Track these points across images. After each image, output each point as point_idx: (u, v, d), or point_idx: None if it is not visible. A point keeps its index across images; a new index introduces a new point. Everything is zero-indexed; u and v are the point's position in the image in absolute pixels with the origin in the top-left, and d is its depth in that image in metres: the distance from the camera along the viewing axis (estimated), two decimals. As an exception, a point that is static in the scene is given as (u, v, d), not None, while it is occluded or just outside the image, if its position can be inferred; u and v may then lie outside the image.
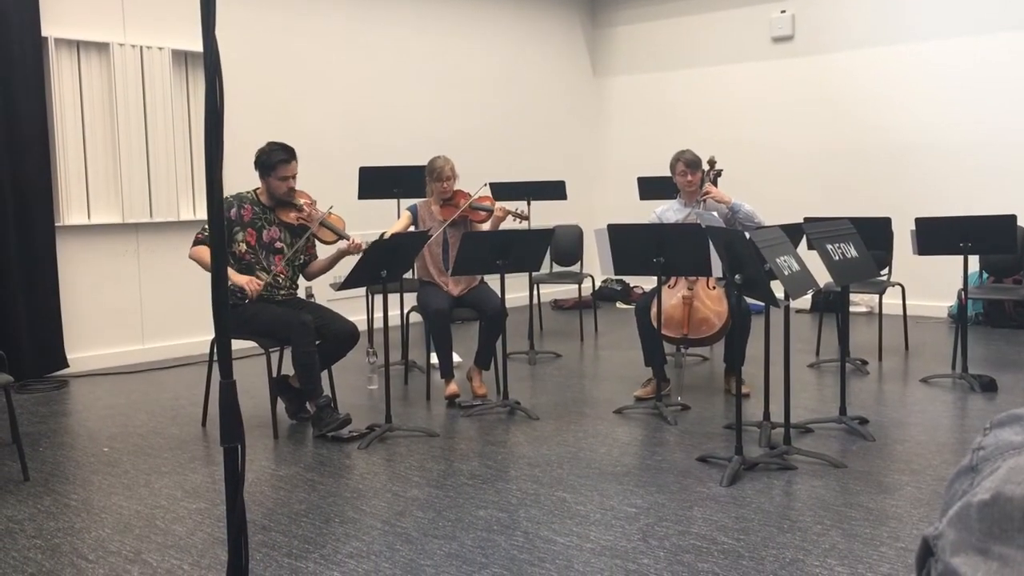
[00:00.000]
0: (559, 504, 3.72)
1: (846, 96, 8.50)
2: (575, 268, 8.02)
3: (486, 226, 5.58)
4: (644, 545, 3.28)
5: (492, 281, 5.49)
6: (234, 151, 6.32)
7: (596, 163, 10.18)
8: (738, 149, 8.40)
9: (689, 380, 5.94)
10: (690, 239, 4.73)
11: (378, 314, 5.79)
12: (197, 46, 6.86)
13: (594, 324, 7.89)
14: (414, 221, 5.62)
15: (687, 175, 5.49)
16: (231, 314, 4.52)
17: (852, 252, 4.40)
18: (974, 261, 6.43)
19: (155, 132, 6.71)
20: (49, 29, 6.18)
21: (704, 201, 5.49)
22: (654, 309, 5.17)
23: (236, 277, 4.71)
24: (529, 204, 7.15)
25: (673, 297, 5.31)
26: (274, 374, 4.89)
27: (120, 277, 6.67)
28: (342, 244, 4.94)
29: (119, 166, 6.56)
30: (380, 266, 4.61)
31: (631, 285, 9.42)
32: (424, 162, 5.75)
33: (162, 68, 6.70)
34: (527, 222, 5.99)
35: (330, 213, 4.99)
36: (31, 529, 3.55)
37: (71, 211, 6.41)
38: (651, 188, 7.43)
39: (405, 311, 6.08)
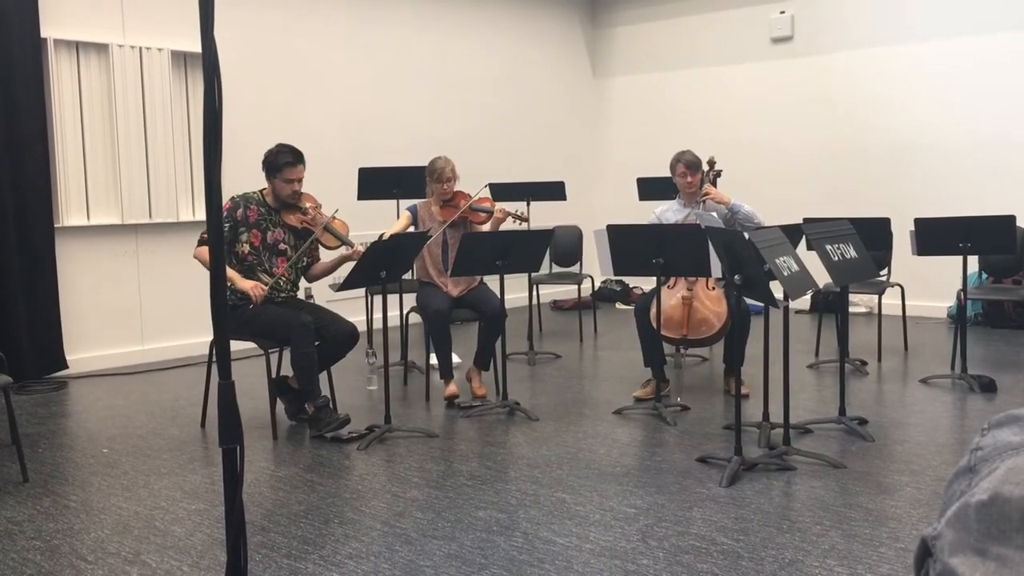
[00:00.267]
0: (558, 505, 3.72)
1: (845, 97, 8.50)
2: (574, 269, 8.02)
3: (486, 227, 5.58)
4: (643, 546, 3.28)
5: (491, 282, 5.49)
6: (234, 152, 6.34)
7: (596, 164, 10.18)
8: (738, 150, 8.40)
9: (688, 381, 5.94)
10: (689, 240, 4.73)
11: (377, 315, 5.80)
12: (196, 47, 6.83)
13: (593, 325, 7.89)
14: (414, 221, 5.62)
15: (687, 176, 5.49)
16: (230, 315, 4.54)
17: (851, 253, 4.40)
18: (973, 261, 6.43)
19: (154, 133, 6.71)
20: (48, 30, 6.18)
21: (704, 202, 5.50)
22: (654, 309, 5.17)
23: (241, 282, 4.70)
24: (529, 205, 7.15)
25: (673, 298, 5.31)
26: (273, 375, 4.89)
27: (119, 278, 6.67)
28: (344, 251, 4.94)
29: (118, 167, 6.56)
30: (379, 267, 4.61)
31: (630, 286, 9.42)
32: (423, 163, 5.75)
33: (161, 69, 6.71)
34: (527, 224, 5.99)
35: (334, 218, 4.99)
36: (30, 530, 3.55)
37: (70, 212, 6.41)
38: (651, 189, 7.43)
39: (404, 312, 6.08)
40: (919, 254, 5.71)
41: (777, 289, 3.80)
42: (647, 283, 6.71)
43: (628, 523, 3.51)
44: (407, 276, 5.35)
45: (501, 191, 6.86)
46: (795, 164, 8.79)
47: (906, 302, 6.67)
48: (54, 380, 6.17)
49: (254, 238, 4.85)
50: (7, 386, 4.08)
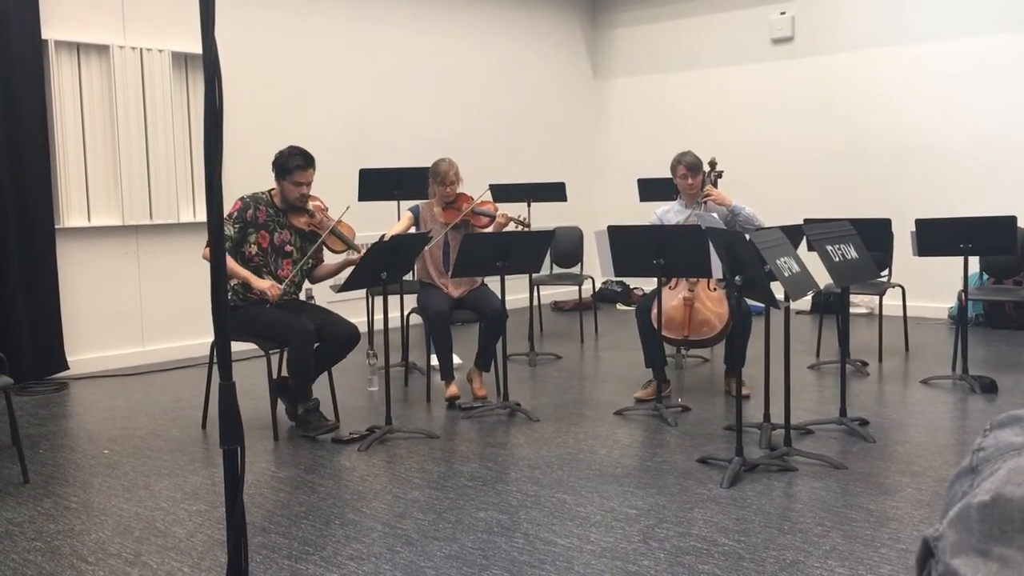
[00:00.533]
0: (559, 506, 3.72)
1: (846, 97, 8.50)
2: (575, 270, 8.02)
3: (488, 231, 5.57)
4: (644, 547, 3.28)
5: (492, 283, 5.49)
6: (234, 153, 6.35)
7: (596, 165, 10.19)
8: (738, 151, 8.40)
9: (689, 381, 5.94)
10: (690, 240, 4.73)
11: (378, 316, 5.79)
12: (197, 48, 6.81)
13: (594, 326, 7.89)
14: (416, 222, 5.61)
15: (688, 178, 5.49)
16: (231, 316, 4.53)
17: (852, 253, 4.40)
18: (974, 262, 6.43)
19: (155, 134, 6.71)
20: (49, 31, 6.19)
21: (705, 203, 5.49)
22: (655, 310, 5.17)
23: (257, 282, 4.71)
24: (529, 206, 7.15)
25: (674, 298, 5.31)
26: (274, 376, 4.89)
27: (120, 279, 6.67)
28: (351, 255, 4.94)
29: (119, 168, 6.56)
30: (380, 268, 4.61)
31: (631, 287, 9.42)
32: (424, 164, 5.75)
33: (162, 70, 6.71)
34: (528, 229, 5.98)
35: (341, 221, 4.99)
36: (31, 531, 3.55)
37: (71, 213, 6.41)
38: (651, 190, 7.43)
39: (405, 313, 6.08)
40: (920, 255, 5.71)
41: (778, 290, 3.80)
42: (647, 284, 6.71)
43: (629, 524, 3.51)
44: (408, 277, 5.35)
45: (502, 192, 6.86)
46: (796, 165, 8.79)
47: (907, 303, 6.67)
48: (55, 381, 6.17)
49: (262, 239, 4.84)
50: (8, 387, 4.08)
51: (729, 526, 3.46)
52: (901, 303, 6.63)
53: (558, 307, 9.24)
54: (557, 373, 6.32)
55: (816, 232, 4.39)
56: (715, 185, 5.60)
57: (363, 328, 5.88)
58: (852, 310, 7.80)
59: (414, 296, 5.70)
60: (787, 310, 4.24)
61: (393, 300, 5.17)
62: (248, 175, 5.53)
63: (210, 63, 1.86)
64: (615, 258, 4.98)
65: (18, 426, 4.24)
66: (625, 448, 4.54)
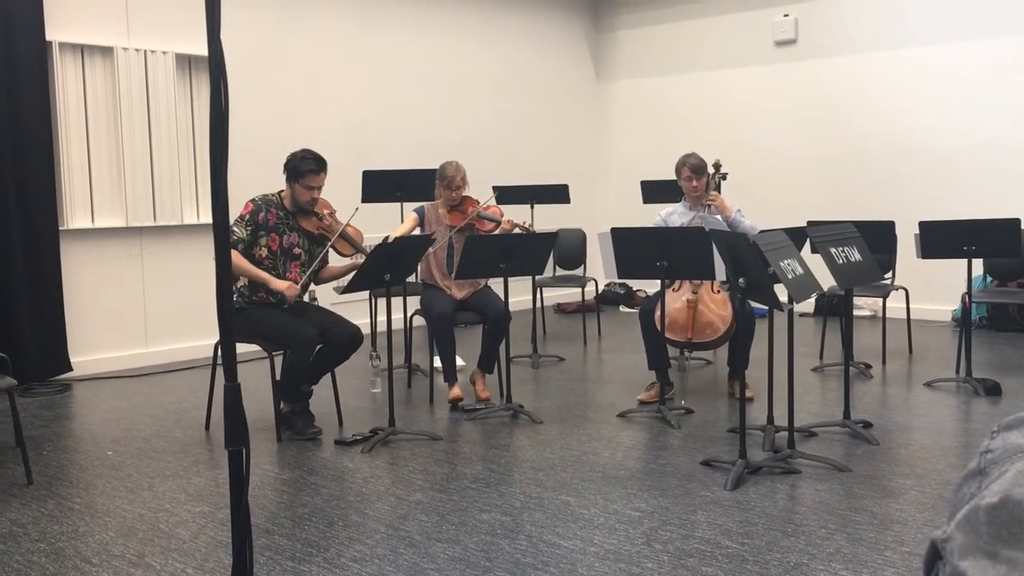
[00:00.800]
0: (563, 508, 3.72)
1: (849, 100, 8.50)
2: (578, 272, 8.02)
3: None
4: (648, 549, 3.28)
5: (496, 285, 5.50)
6: (236, 154, 6.33)
7: (599, 167, 10.19)
8: (741, 153, 8.40)
9: (692, 384, 5.94)
10: (693, 243, 4.73)
11: (381, 317, 5.80)
12: (201, 50, 6.81)
13: (597, 328, 7.88)
14: (421, 223, 5.61)
15: (692, 180, 5.49)
16: (235, 317, 4.53)
17: (856, 256, 4.40)
18: (978, 265, 6.42)
19: (159, 136, 6.72)
20: (53, 33, 6.20)
21: (708, 207, 5.49)
22: (658, 312, 5.17)
23: (275, 283, 4.72)
24: (532, 208, 7.15)
25: (678, 300, 5.31)
26: (277, 377, 4.89)
27: (124, 281, 6.68)
28: (359, 259, 4.94)
29: (123, 170, 6.57)
30: (384, 270, 4.61)
31: (634, 289, 9.41)
32: (427, 166, 5.75)
33: (166, 72, 6.72)
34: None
35: (349, 224, 4.99)
36: (35, 533, 3.55)
37: (75, 215, 6.42)
38: (654, 192, 7.43)
39: (408, 315, 6.08)
40: (923, 257, 5.71)
41: (781, 292, 3.80)
42: (650, 286, 6.72)
43: (632, 526, 3.50)
44: (411, 279, 5.35)
45: (505, 194, 6.86)
46: (799, 167, 8.78)
47: (910, 305, 6.66)
48: (58, 382, 6.18)
49: (272, 242, 4.84)
50: (12, 388, 4.09)
51: (732, 528, 3.46)
52: (905, 305, 6.63)
53: (561, 309, 9.24)
54: (560, 375, 6.32)
55: (820, 234, 4.39)
56: (719, 188, 5.60)
57: (366, 330, 5.88)
58: (855, 312, 7.79)
59: (417, 298, 5.70)
60: (790, 312, 4.23)
61: (396, 302, 5.17)
62: (250, 176, 5.52)
63: (216, 65, 1.87)
64: (618, 260, 4.98)
65: (22, 427, 4.25)
66: (628, 450, 4.54)
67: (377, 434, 4.69)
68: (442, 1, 8.67)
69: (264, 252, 4.82)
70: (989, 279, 7.11)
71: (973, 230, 5.51)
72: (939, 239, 5.59)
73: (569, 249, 8.03)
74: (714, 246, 4.48)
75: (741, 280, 3.93)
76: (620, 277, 5.18)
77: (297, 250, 4.92)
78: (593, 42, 10.23)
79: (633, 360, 6.27)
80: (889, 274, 6.40)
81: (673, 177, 5.68)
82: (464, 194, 5.58)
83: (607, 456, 4.41)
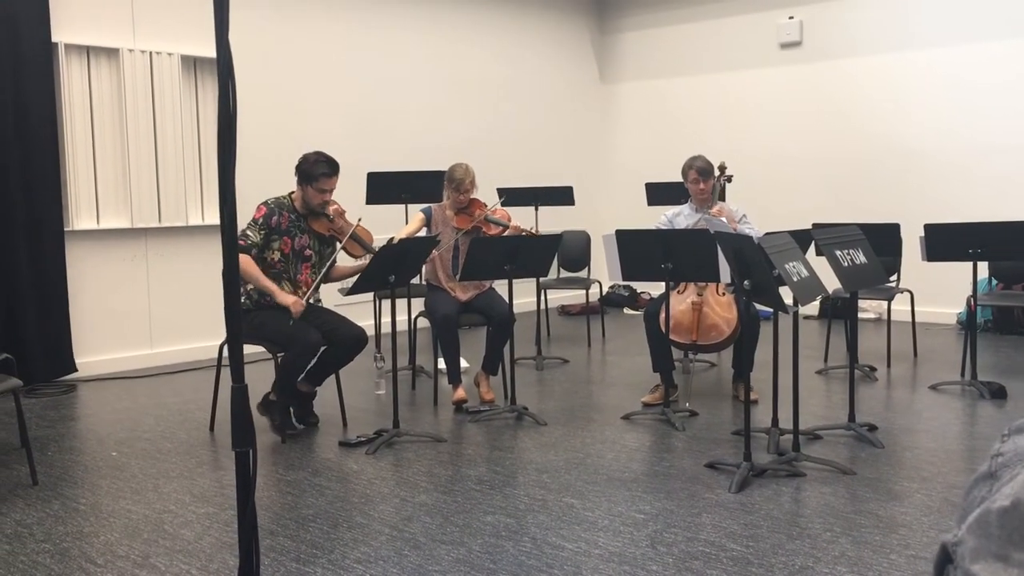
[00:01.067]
0: (567, 510, 3.72)
1: (854, 102, 8.49)
2: (583, 274, 8.02)
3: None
4: (652, 551, 3.28)
5: (500, 287, 5.50)
6: (239, 155, 6.34)
7: (603, 169, 10.18)
8: (746, 155, 8.40)
9: (697, 386, 5.93)
10: (698, 245, 4.72)
11: (386, 319, 5.80)
12: (206, 52, 6.83)
13: (601, 330, 7.88)
14: (427, 224, 5.61)
15: (699, 183, 5.48)
16: (242, 318, 4.53)
17: (861, 258, 4.39)
18: (983, 267, 6.42)
19: (164, 137, 6.73)
20: (59, 35, 6.21)
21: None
22: (663, 314, 5.17)
23: (282, 296, 4.70)
24: (536, 210, 7.15)
25: (682, 303, 5.31)
26: (282, 379, 4.89)
27: (129, 282, 6.69)
28: (367, 259, 4.94)
29: (128, 171, 6.58)
30: (388, 271, 4.61)
31: (638, 291, 9.41)
32: (432, 167, 5.75)
33: (171, 73, 6.73)
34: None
35: (359, 225, 4.99)
36: (40, 533, 3.55)
37: (80, 216, 6.43)
38: (659, 194, 7.43)
39: (413, 316, 6.07)
40: (928, 260, 5.71)
41: (787, 294, 3.79)
42: (655, 288, 6.71)
43: (637, 529, 3.50)
44: (415, 280, 5.35)
45: (509, 196, 6.85)
46: (803, 169, 8.77)
47: (915, 308, 6.65)
48: (63, 383, 6.19)
49: (284, 245, 4.84)
50: (17, 389, 4.10)
51: (737, 531, 3.45)
52: (910, 308, 6.62)
53: (565, 311, 9.24)
54: (564, 377, 6.32)
55: (825, 237, 4.39)
56: (724, 190, 5.60)
57: (370, 331, 5.87)
58: (860, 315, 7.77)
59: (422, 299, 5.70)
60: (795, 315, 4.23)
61: (401, 303, 5.17)
62: (253, 178, 5.54)
63: (224, 67, 1.87)
64: (623, 262, 4.97)
65: (27, 428, 4.26)
66: (633, 452, 4.53)
67: (381, 436, 4.70)
68: (446, 3, 8.68)
69: (277, 256, 4.82)
70: (994, 282, 7.10)
71: (979, 233, 5.51)
72: (944, 242, 5.58)
73: (573, 251, 8.03)
74: (719, 248, 4.48)
75: (746, 282, 3.93)
76: (625, 279, 5.18)
77: (308, 252, 4.93)
78: (597, 44, 10.23)
79: (637, 362, 6.27)
80: (894, 277, 6.39)
81: (678, 179, 5.68)
82: (472, 197, 5.58)
83: (611, 458, 4.41)
